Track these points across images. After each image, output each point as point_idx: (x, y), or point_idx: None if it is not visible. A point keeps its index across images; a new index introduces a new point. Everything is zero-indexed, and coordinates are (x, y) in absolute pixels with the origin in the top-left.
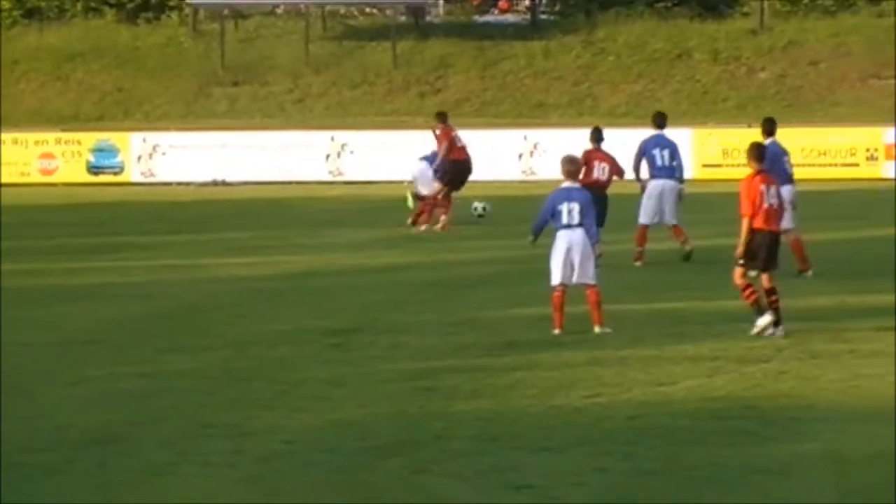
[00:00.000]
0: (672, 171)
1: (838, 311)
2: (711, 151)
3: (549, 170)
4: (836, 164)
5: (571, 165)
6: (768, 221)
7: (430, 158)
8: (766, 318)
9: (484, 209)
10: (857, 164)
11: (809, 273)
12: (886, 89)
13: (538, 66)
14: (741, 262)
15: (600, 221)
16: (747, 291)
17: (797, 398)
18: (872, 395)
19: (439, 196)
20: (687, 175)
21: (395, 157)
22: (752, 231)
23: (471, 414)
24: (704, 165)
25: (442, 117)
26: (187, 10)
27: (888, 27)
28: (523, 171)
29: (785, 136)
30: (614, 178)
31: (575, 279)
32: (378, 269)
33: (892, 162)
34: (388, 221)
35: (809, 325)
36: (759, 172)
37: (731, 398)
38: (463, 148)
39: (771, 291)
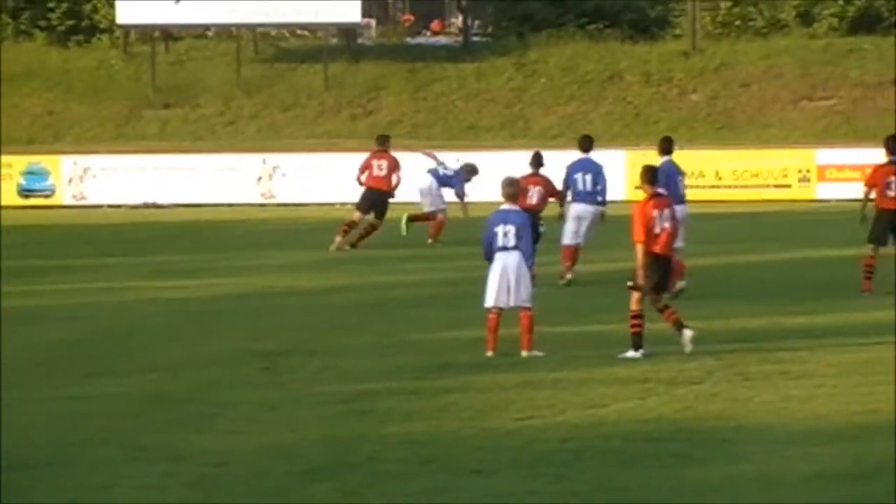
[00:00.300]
0: (593, 195)
1: (770, 332)
2: None
3: (481, 192)
4: (768, 186)
5: (510, 188)
6: (660, 246)
7: (437, 174)
8: (633, 353)
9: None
10: (789, 186)
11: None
12: (818, 111)
13: (470, 88)
14: (630, 284)
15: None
16: (635, 321)
17: (728, 420)
18: (804, 416)
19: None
20: (619, 196)
21: (327, 179)
22: (647, 255)
23: (403, 437)
24: (637, 187)
25: (382, 140)
26: (118, 33)
27: (819, 49)
28: (455, 194)
29: (717, 158)
30: (550, 199)
31: (511, 302)
32: (310, 291)
33: (825, 183)
34: (321, 243)
35: (741, 347)
36: (652, 196)
37: (662, 420)
38: (379, 177)
39: (663, 311)
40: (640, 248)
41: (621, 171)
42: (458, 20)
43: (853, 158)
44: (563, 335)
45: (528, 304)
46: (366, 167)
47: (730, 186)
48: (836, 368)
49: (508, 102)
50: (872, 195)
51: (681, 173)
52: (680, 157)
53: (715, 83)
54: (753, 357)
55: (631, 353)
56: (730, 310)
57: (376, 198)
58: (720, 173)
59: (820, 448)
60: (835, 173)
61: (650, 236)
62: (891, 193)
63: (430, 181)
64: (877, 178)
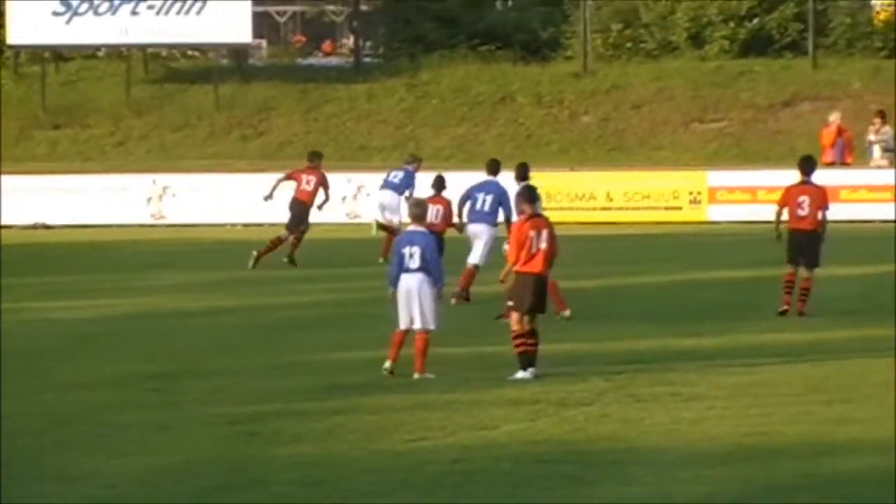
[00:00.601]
0: (490, 216)
1: (661, 353)
2: None
3: (374, 212)
4: (659, 208)
5: (417, 209)
6: (534, 265)
7: (393, 185)
8: (522, 374)
9: None
10: (680, 208)
11: (567, 313)
12: (709, 133)
13: (361, 109)
14: (509, 304)
15: None
16: (518, 341)
17: (619, 441)
18: (695, 438)
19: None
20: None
21: (217, 200)
22: (520, 275)
23: (293, 458)
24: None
25: (313, 157)
26: (8, 53)
27: (710, 71)
28: (347, 214)
29: (608, 179)
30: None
31: (416, 325)
32: (201, 312)
33: (716, 205)
34: (212, 264)
35: (632, 368)
36: (530, 217)
37: (552, 441)
38: (306, 191)
39: (531, 334)
40: (514, 269)
41: (512, 192)
42: (350, 41)
43: (744, 180)
44: (455, 356)
45: (426, 327)
46: (294, 179)
47: (621, 208)
48: (726, 390)
49: (400, 123)
50: (785, 215)
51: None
52: (571, 178)
53: (606, 105)
54: (644, 379)
55: (520, 374)
56: (621, 331)
57: (299, 210)
58: (611, 195)
59: (710, 470)
60: (726, 195)
61: (527, 256)
62: (801, 213)
63: (389, 195)
64: (788, 199)
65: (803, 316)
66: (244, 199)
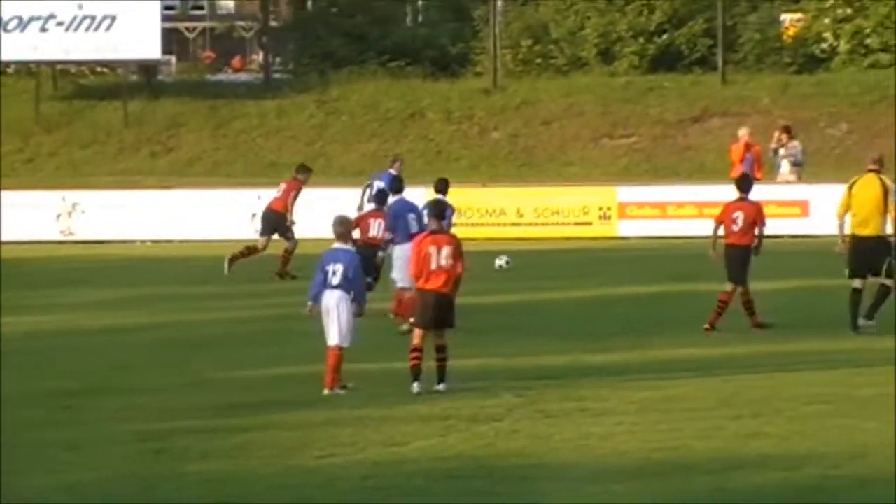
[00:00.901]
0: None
1: (571, 369)
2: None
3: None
4: (569, 223)
5: (340, 227)
6: (434, 282)
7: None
8: (416, 387)
9: (508, 262)
10: (590, 223)
11: (405, 327)
12: (619, 148)
13: (271, 125)
14: (412, 320)
15: (376, 277)
16: (414, 354)
17: (529, 457)
18: (604, 454)
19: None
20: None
21: (127, 216)
22: (419, 291)
23: (202, 475)
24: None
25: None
26: None
27: (619, 87)
28: (256, 230)
29: (518, 195)
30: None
31: (346, 342)
32: (110, 329)
33: (626, 221)
34: (121, 281)
35: (542, 384)
36: (431, 232)
37: (463, 457)
38: (278, 199)
39: (440, 349)
40: (417, 285)
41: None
42: (259, 57)
43: (654, 196)
44: (365, 372)
45: (340, 344)
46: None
47: (531, 224)
48: (636, 405)
49: (310, 139)
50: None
51: (414, 210)
52: (482, 194)
53: (516, 121)
54: (554, 394)
55: (415, 387)
56: (531, 347)
57: (274, 218)
58: (521, 210)
59: (620, 485)
60: (635, 210)
61: (427, 273)
62: (735, 229)
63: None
64: (724, 215)
65: (756, 328)
66: (153, 216)
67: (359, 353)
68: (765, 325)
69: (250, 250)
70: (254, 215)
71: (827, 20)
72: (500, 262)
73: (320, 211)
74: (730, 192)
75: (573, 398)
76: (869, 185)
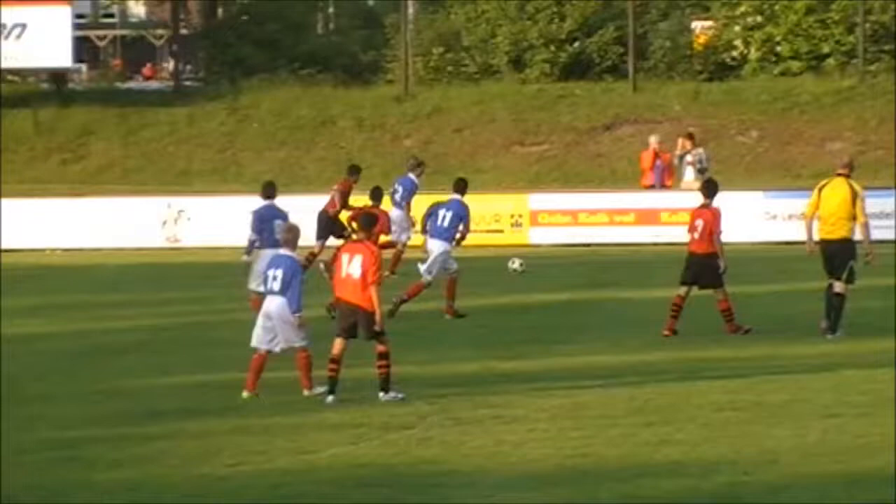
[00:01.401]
0: (447, 231)
1: (483, 376)
2: None
3: (194, 237)
4: (480, 231)
5: (286, 234)
6: (342, 290)
7: (396, 202)
8: (323, 391)
9: (521, 265)
10: (501, 231)
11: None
12: (530, 156)
13: (182, 133)
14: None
15: None
16: (330, 366)
17: (441, 464)
18: (516, 461)
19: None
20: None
21: (37, 224)
22: (335, 299)
23: (113, 484)
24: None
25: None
26: None
27: (531, 94)
28: (168, 239)
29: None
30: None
31: (278, 347)
32: (20, 338)
33: (537, 228)
34: (31, 289)
35: (454, 392)
36: (354, 241)
37: (374, 465)
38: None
39: (380, 356)
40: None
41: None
42: (170, 65)
43: (565, 203)
44: (275, 380)
45: (300, 344)
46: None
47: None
48: (548, 413)
49: (221, 147)
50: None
51: (280, 217)
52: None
53: (428, 128)
54: (466, 402)
55: (319, 390)
56: (444, 354)
57: (328, 221)
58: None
59: (532, 492)
60: (547, 218)
61: (338, 279)
62: (696, 236)
63: (396, 213)
64: (690, 221)
65: (738, 333)
66: (64, 224)
67: (268, 360)
68: (739, 328)
69: (312, 256)
70: (164, 223)
71: (737, 28)
72: (514, 265)
73: (232, 219)
74: (642, 201)
75: (485, 406)
76: (837, 189)
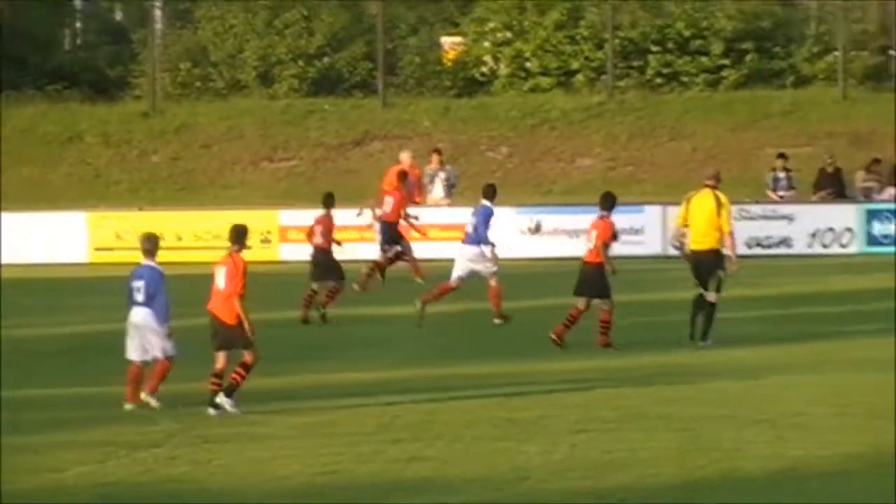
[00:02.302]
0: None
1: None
2: (105, 235)
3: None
4: (228, 248)
5: (147, 244)
6: (212, 302)
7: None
8: (211, 411)
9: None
10: (250, 247)
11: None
12: (279, 172)
13: None
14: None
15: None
16: (211, 380)
17: (189, 483)
18: (266, 479)
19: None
20: (82, 259)
21: None
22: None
23: None
24: (97, 249)
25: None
26: None
27: (279, 110)
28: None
29: (178, 219)
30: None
31: (147, 356)
32: None
33: (287, 244)
34: None
35: (202, 410)
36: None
37: (121, 484)
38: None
39: (241, 366)
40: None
41: (83, 232)
42: None
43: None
44: (24, 399)
45: (161, 356)
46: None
47: (190, 248)
48: (298, 430)
49: None
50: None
51: None
52: (141, 218)
53: (176, 144)
54: (214, 420)
55: (210, 410)
56: (191, 372)
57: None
58: (181, 234)
59: None
60: (297, 234)
61: (212, 291)
62: (590, 246)
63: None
64: (588, 232)
65: (609, 347)
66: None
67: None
68: (610, 344)
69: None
70: None
71: (487, 44)
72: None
73: None
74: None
75: (234, 423)
76: (704, 201)
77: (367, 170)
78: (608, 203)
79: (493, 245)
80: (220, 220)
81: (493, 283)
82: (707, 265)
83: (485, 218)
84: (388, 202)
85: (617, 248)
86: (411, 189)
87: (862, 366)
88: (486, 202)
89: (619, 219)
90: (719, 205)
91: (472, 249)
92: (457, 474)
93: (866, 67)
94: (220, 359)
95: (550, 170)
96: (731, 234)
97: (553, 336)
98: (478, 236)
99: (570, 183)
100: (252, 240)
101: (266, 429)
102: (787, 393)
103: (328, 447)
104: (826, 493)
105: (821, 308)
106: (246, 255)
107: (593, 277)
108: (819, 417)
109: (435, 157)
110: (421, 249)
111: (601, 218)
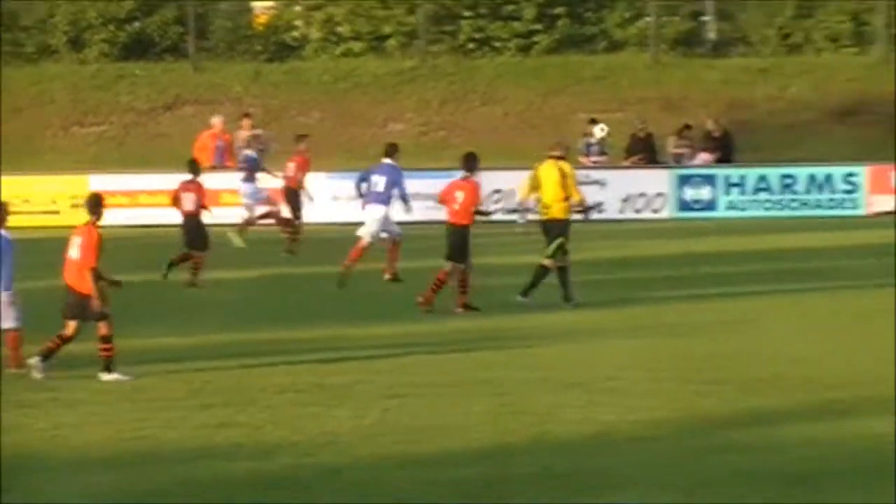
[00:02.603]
0: (383, 196)
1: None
2: None
3: None
4: (38, 213)
5: None
6: (66, 274)
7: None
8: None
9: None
10: (58, 212)
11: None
12: (90, 136)
13: None
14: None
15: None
16: (54, 339)
17: (3, 448)
18: (77, 444)
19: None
20: None
21: None
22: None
23: None
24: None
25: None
26: None
27: (89, 74)
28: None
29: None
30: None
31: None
32: None
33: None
34: None
35: (12, 374)
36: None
37: None
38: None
39: (101, 339)
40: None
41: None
42: None
43: (125, 184)
44: None
45: (7, 325)
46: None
47: None
48: (106, 395)
49: None
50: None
51: None
52: None
53: None
54: (25, 384)
55: (34, 362)
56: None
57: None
58: None
59: (93, 476)
60: (107, 199)
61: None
62: (456, 207)
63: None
64: (446, 194)
65: (471, 310)
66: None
67: None
68: (472, 306)
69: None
70: None
71: (298, 8)
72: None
73: None
74: (206, 181)
75: (45, 388)
76: (549, 172)
77: (179, 134)
78: (471, 164)
79: (407, 201)
80: (31, 186)
81: (396, 241)
82: (551, 232)
83: (394, 177)
84: (290, 167)
85: (428, 214)
86: (223, 154)
87: (674, 330)
88: (389, 160)
89: (431, 184)
90: (563, 175)
91: (380, 209)
92: (267, 440)
93: (678, 33)
94: (71, 327)
95: (362, 135)
96: (582, 201)
97: (421, 300)
98: (386, 195)
99: (382, 148)
100: (61, 205)
101: (75, 394)
102: (600, 357)
103: (136, 412)
104: (636, 457)
105: (633, 273)
106: (54, 219)
107: (458, 237)
108: (631, 382)
109: (246, 122)
110: (225, 214)
111: (465, 179)
